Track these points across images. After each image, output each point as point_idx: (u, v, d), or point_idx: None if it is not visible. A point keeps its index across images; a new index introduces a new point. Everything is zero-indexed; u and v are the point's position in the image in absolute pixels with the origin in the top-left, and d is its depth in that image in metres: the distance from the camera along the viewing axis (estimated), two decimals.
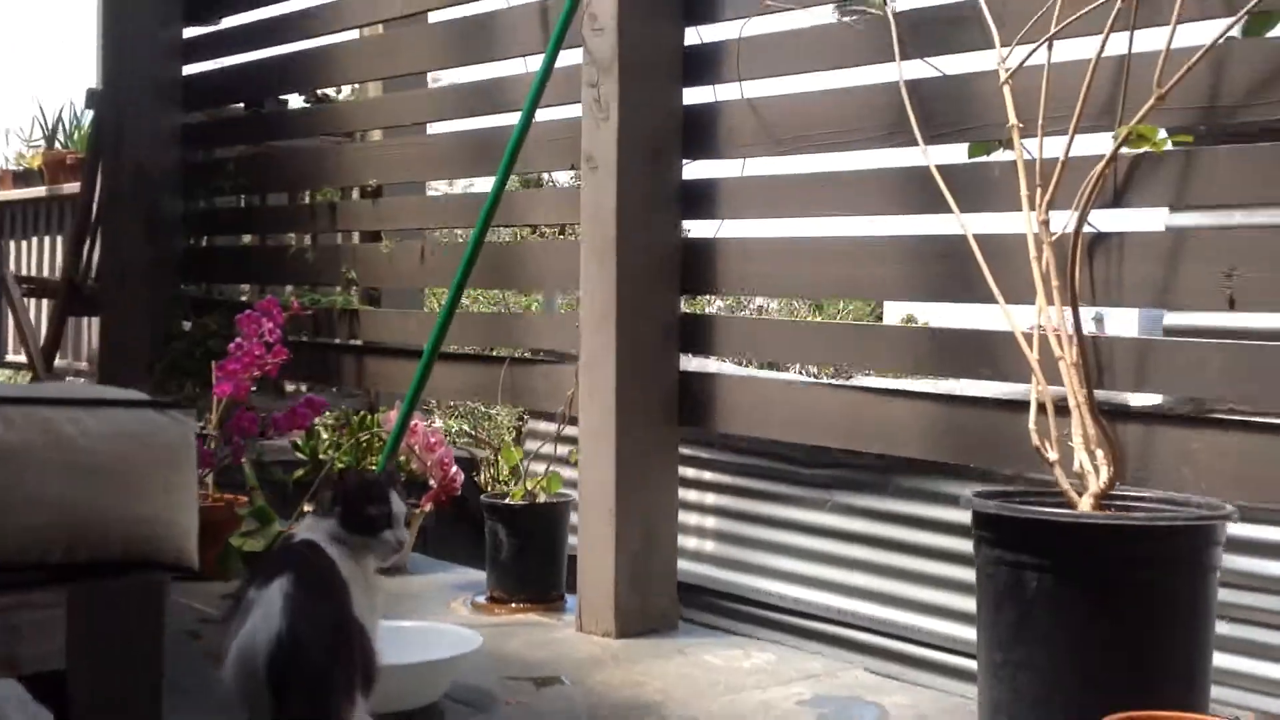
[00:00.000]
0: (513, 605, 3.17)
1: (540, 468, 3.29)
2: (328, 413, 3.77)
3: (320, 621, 1.82)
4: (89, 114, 5.54)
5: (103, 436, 1.30)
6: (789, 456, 4.67)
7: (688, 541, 4.75)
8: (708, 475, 4.96)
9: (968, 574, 2.18)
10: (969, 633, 2.41)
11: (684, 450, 4.11)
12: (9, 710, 1.61)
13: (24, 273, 6.75)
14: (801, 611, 4.25)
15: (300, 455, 3.62)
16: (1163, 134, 2.15)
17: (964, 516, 2.27)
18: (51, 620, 1.29)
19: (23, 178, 7.43)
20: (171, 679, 2.53)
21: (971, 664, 2.31)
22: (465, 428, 7.14)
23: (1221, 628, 3.45)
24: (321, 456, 3.55)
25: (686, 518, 4.75)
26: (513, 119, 3.08)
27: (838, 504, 4.58)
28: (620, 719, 2.35)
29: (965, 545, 2.28)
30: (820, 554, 4.60)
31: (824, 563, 4.60)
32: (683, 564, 3.28)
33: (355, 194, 4.16)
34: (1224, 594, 2.94)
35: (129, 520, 1.31)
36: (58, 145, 7.61)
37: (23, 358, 5.77)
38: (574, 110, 3.07)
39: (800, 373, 6.25)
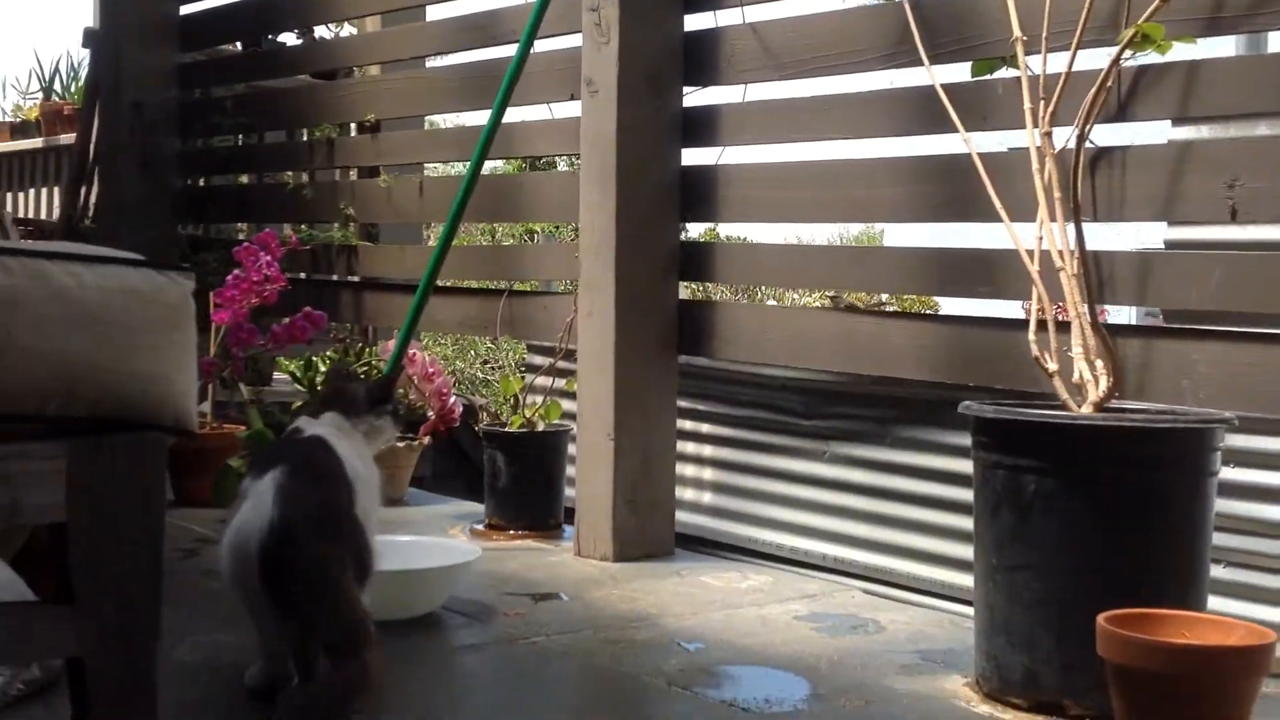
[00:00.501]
0: (511, 532, 3.17)
1: (540, 399, 3.29)
2: (327, 353, 3.76)
3: (312, 509, 1.82)
4: (86, 64, 5.52)
5: (101, 290, 1.30)
6: (787, 408, 4.68)
7: (685, 493, 4.75)
8: (705, 427, 4.96)
9: (966, 522, 2.18)
10: (966, 580, 2.41)
11: (682, 403, 4.12)
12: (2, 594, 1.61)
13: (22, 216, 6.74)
14: (799, 561, 4.26)
15: (299, 387, 3.62)
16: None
17: (964, 466, 2.26)
18: (52, 474, 1.29)
19: (20, 129, 7.41)
20: (169, 593, 2.55)
21: (967, 610, 2.31)
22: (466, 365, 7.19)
23: (1218, 571, 3.46)
24: (319, 388, 3.55)
25: (684, 469, 4.76)
26: (512, 50, 3.06)
27: (836, 454, 4.59)
28: (618, 629, 2.36)
29: (965, 494, 2.27)
30: (819, 504, 4.61)
31: (822, 513, 4.61)
32: (681, 515, 3.28)
33: (353, 130, 4.14)
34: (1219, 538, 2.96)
35: (127, 375, 1.31)
36: (54, 97, 7.59)
37: None
38: (574, 40, 3.06)
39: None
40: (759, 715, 1.92)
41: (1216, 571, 3.52)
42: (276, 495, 1.82)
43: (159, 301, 1.35)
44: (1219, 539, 3.35)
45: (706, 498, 4.95)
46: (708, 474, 4.95)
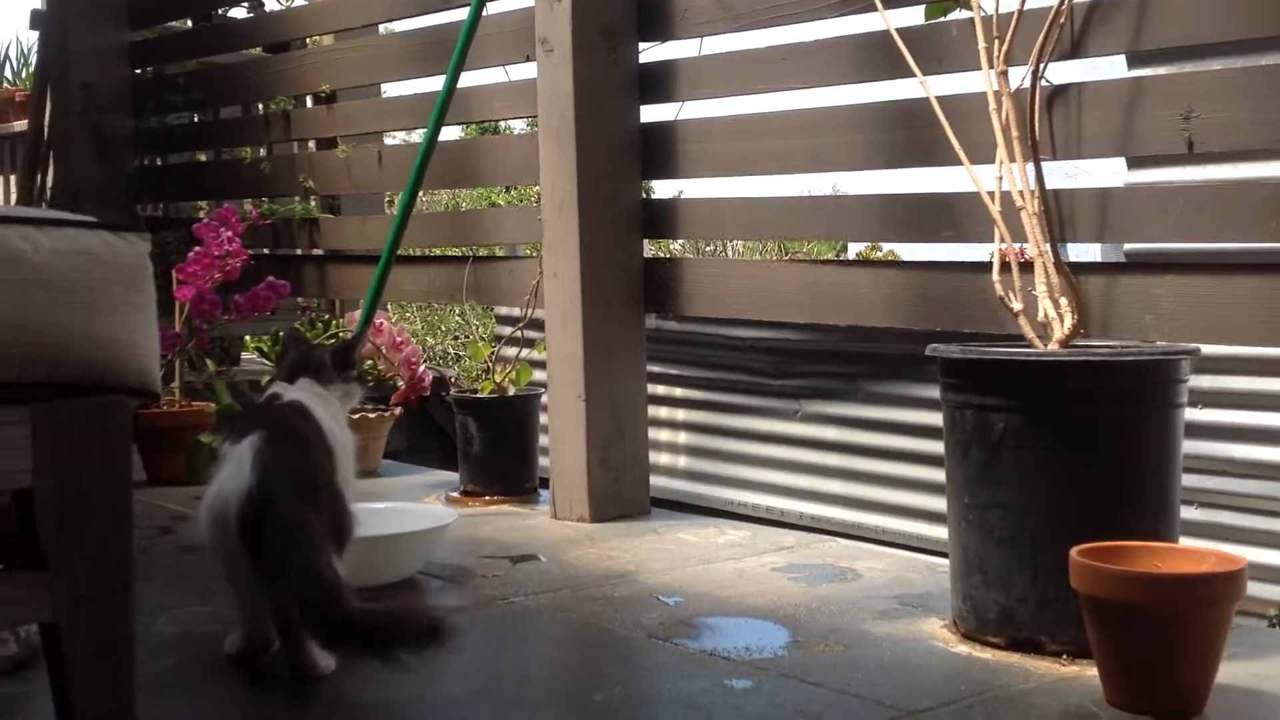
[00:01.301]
0: (486, 498, 3.17)
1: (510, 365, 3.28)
2: (292, 320, 3.74)
3: (289, 475, 1.81)
4: (36, 45, 5.45)
5: (57, 253, 1.28)
6: (757, 368, 4.69)
7: (660, 458, 4.77)
8: (678, 391, 4.97)
9: (939, 475, 2.19)
10: (940, 532, 2.42)
11: (654, 368, 4.12)
12: None
13: None
14: (773, 520, 4.28)
15: (266, 362, 3.60)
16: None
17: (935, 419, 2.26)
18: (16, 439, 1.27)
19: None
20: (146, 569, 2.54)
21: (942, 561, 2.32)
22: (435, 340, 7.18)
23: (1189, 513, 3.51)
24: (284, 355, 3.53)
25: (658, 434, 4.78)
26: (464, 14, 3.04)
27: (807, 413, 4.61)
28: (596, 586, 2.36)
29: (936, 446, 2.28)
30: (792, 463, 4.64)
31: (796, 471, 4.64)
32: (657, 480, 3.28)
33: (309, 101, 4.11)
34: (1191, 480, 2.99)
35: (87, 339, 1.30)
36: (5, 83, 7.48)
37: None
38: (527, 1, 3.04)
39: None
40: (739, 663, 1.93)
41: (1189, 513, 3.57)
42: (254, 460, 1.81)
43: (115, 264, 1.33)
44: (1190, 480, 3.39)
45: (682, 462, 4.97)
46: (682, 438, 4.98)
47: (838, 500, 4.50)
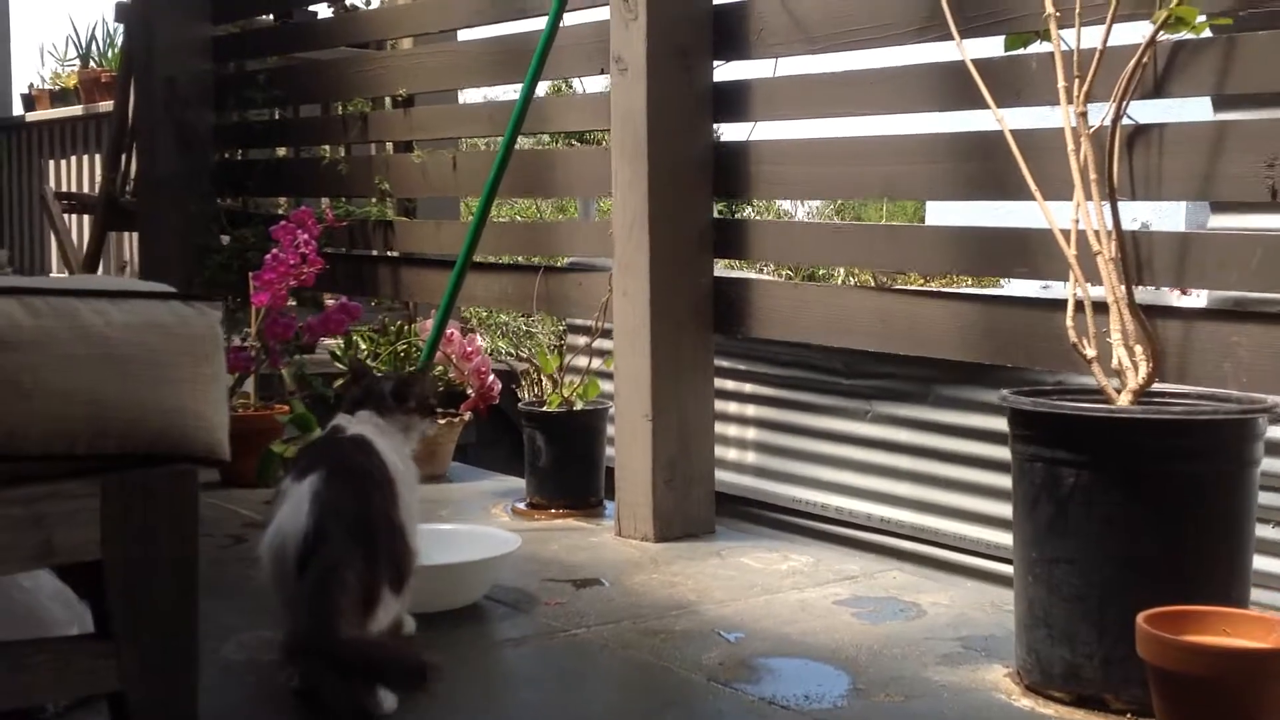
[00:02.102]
0: (552, 511, 3.19)
1: (578, 378, 3.29)
2: (366, 325, 3.78)
3: (346, 517, 1.84)
4: (121, 32, 5.53)
5: (128, 327, 1.30)
6: (829, 368, 4.66)
7: (728, 453, 4.76)
8: (748, 387, 4.96)
9: (1009, 481, 2.17)
10: (1009, 539, 2.40)
11: (724, 363, 4.11)
12: (50, 603, 1.64)
13: (63, 189, 6.79)
14: (841, 520, 4.26)
15: (339, 365, 3.64)
16: (1202, 18, 2.09)
17: (1005, 424, 2.25)
18: (85, 511, 1.30)
19: (59, 97, 7.45)
20: (214, 585, 2.57)
21: (1010, 569, 2.30)
22: (507, 346, 7.17)
23: (1265, 531, 3.44)
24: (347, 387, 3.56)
25: (727, 429, 4.77)
26: (542, 24, 3.04)
27: (878, 414, 4.57)
28: (657, 618, 2.36)
29: (1006, 453, 2.26)
30: (861, 463, 4.61)
31: (865, 472, 4.61)
32: (723, 475, 3.28)
33: (387, 104, 4.13)
34: (1267, 498, 2.93)
35: (156, 411, 1.32)
36: (92, 64, 7.62)
37: (65, 274, 5.81)
38: (603, 14, 3.04)
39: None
40: (798, 713, 1.93)
41: (1264, 531, 3.50)
42: (313, 502, 1.84)
43: (186, 335, 1.35)
44: (1267, 498, 3.33)
45: (750, 458, 4.96)
46: (750, 434, 4.96)
47: (907, 503, 4.47)
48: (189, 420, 1.35)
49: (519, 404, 3.31)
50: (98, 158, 6.58)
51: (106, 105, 6.10)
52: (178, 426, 1.34)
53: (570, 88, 6.51)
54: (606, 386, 3.24)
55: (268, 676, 2.06)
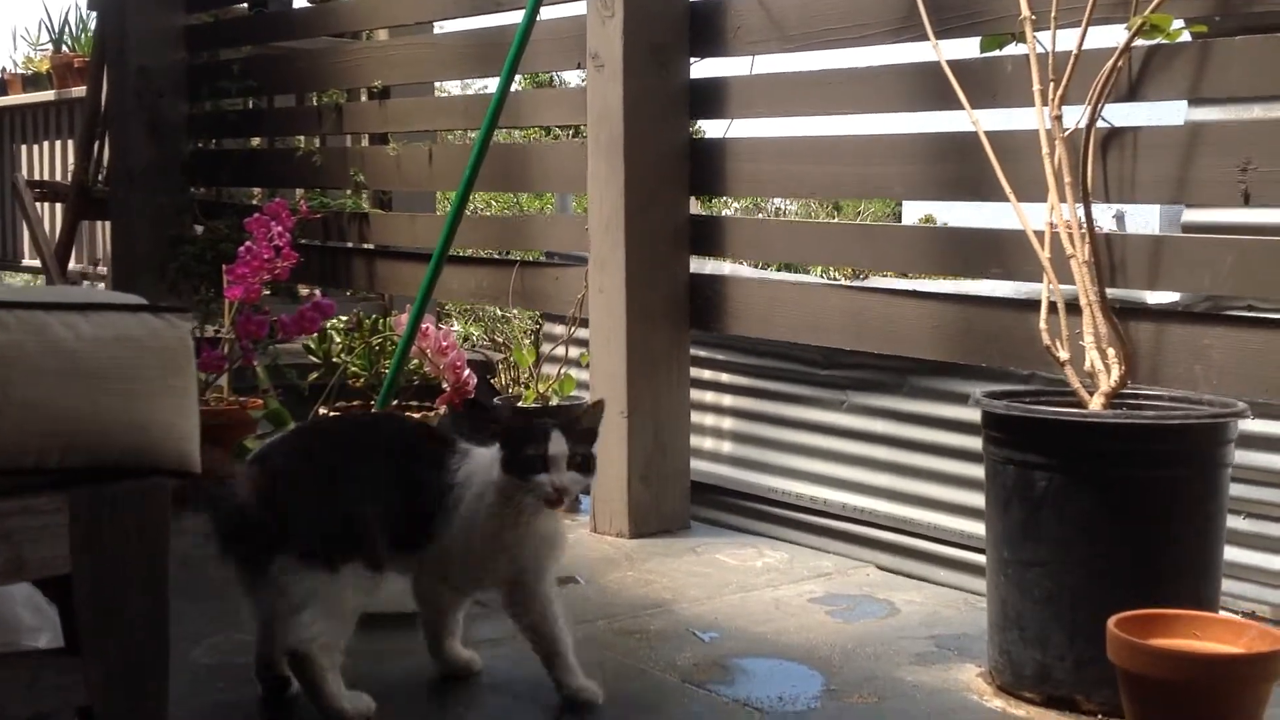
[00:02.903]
0: None
1: (555, 370, 3.29)
2: (340, 317, 3.77)
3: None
4: (94, 15, 5.48)
5: (97, 340, 1.29)
6: (805, 358, 4.66)
7: (704, 442, 4.76)
8: (724, 377, 4.95)
9: (982, 471, 2.17)
10: (983, 529, 2.40)
11: (700, 352, 4.11)
12: (21, 610, 1.63)
13: (35, 177, 6.73)
14: (817, 510, 4.27)
15: (314, 358, 3.62)
16: (1178, 24, 2.10)
17: (978, 415, 2.25)
18: (55, 526, 1.29)
19: (31, 82, 7.38)
20: (185, 586, 2.55)
21: (984, 559, 2.30)
22: (480, 332, 7.14)
23: (1236, 522, 3.46)
24: (334, 360, 3.56)
25: (703, 418, 4.77)
26: (518, 17, 3.03)
27: (854, 404, 4.58)
28: (632, 617, 2.37)
29: (980, 443, 2.27)
30: (836, 453, 4.61)
31: (840, 462, 4.61)
32: (699, 464, 3.27)
33: (363, 95, 4.11)
34: (1239, 489, 2.95)
35: (126, 425, 1.31)
36: (65, 48, 7.54)
37: (37, 263, 5.76)
38: (580, 8, 3.02)
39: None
40: (772, 715, 1.93)
41: (1236, 522, 3.52)
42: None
43: (156, 348, 1.34)
44: (1239, 490, 3.35)
45: (725, 447, 4.96)
46: (726, 423, 4.96)
47: (882, 493, 4.48)
48: (159, 433, 1.34)
49: (495, 399, 3.30)
50: (70, 143, 6.52)
51: (80, 90, 6.04)
52: (148, 439, 1.34)
53: (552, 83, 6.48)
54: (583, 377, 3.23)
55: (239, 682, 2.05)
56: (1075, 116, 2.23)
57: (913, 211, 9.35)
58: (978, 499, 3.52)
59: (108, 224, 5.53)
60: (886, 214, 9.80)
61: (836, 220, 8.19)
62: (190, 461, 1.39)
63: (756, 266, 3.85)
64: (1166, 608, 1.84)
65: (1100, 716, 1.92)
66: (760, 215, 8.37)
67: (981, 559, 2.33)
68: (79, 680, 1.30)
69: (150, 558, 1.34)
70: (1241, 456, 2.17)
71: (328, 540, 1.81)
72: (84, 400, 1.29)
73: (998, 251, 2.43)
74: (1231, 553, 2.43)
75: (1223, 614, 1.93)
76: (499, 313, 7.15)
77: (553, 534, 1.96)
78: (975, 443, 3.49)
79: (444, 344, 3.37)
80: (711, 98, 2.94)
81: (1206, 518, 1.97)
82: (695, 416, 3.07)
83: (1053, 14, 2.24)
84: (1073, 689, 1.95)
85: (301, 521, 1.80)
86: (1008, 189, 2.28)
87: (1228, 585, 2.53)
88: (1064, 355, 2.16)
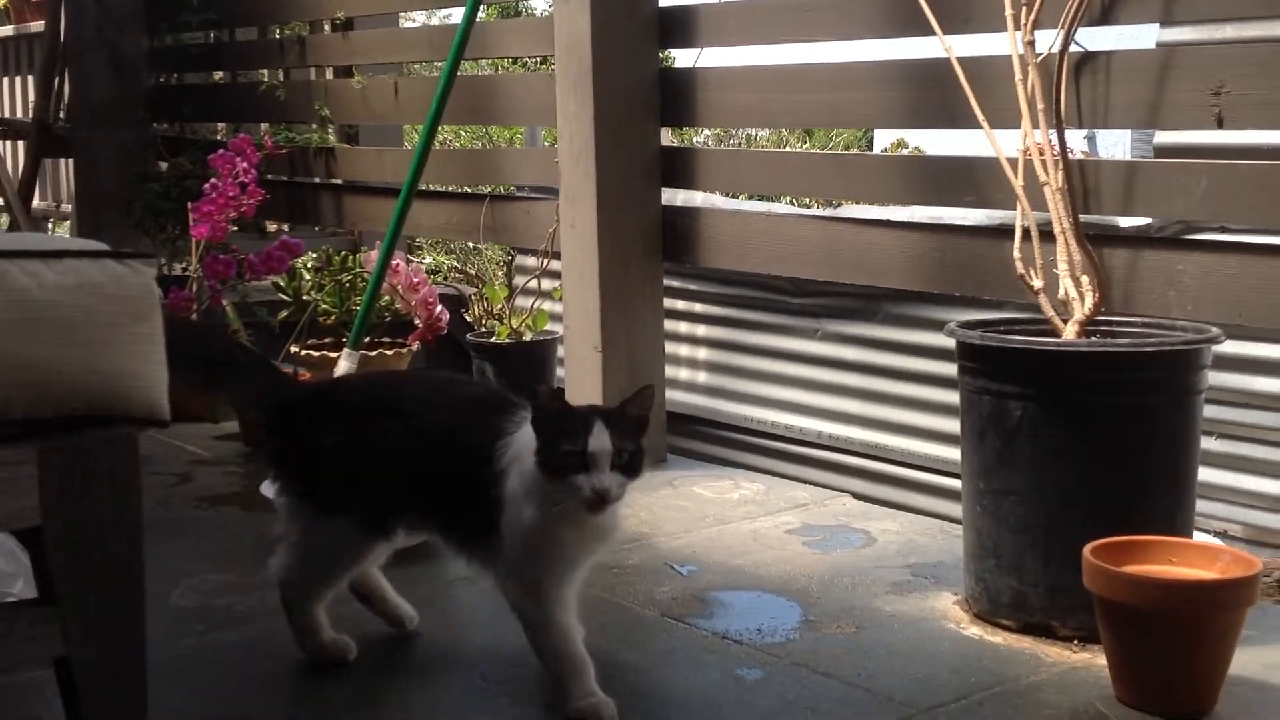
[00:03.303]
0: None
1: (529, 304, 3.27)
2: (310, 254, 3.72)
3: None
4: None
5: (61, 288, 1.27)
6: (778, 286, 4.66)
7: (679, 372, 4.77)
8: (698, 307, 4.94)
9: (956, 397, 2.17)
10: (957, 454, 2.41)
11: (673, 282, 4.09)
12: None
13: None
14: (792, 438, 4.28)
15: (284, 296, 3.59)
16: None
17: (952, 341, 2.25)
18: (24, 478, 1.28)
19: None
20: (162, 526, 2.55)
21: (959, 484, 2.31)
22: (454, 263, 7.09)
23: (1208, 443, 3.49)
24: (305, 297, 3.52)
25: (677, 349, 4.77)
26: None
27: (827, 332, 4.58)
28: (611, 551, 2.34)
29: (954, 369, 2.27)
30: (811, 381, 4.62)
31: (815, 390, 4.62)
32: (675, 394, 3.27)
33: (326, 27, 4.04)
34: (1211, 410, 2.97)
35: (93, 374, 1.29)
36: None
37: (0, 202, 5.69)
38: None
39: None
40: (751, 648, 1.94)
41: (1208, 443, 3.55)
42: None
43: (121, 295, 1.32)
44: (1211, 411, 3.37)
45: (700, 377, 4.96)
46: (700, 353, 4.96)
47: (857, 420, 4.50)
48: (127, 381, 1.33)
49: (468, 335, 3.28)
50: (30, 80, 6.41)
51: (38, 25, 5.93)
52: (116, 388, 1.32)
53: (519, 13, 6.40)
54: (556, 309, 3.21)
55: (218, 624, 2.05)
56: (1048, 41, 2.21)
57: (884, 139, 9.31)
58: (952, 424, 3.53)
59: (70, 161, 5.46)
60: (856, 141, 9.75)
61: (808, 149, 8.12)
62: (159, 409, 1.37)
63: (729, 197, 3.83)
64: (1141, 534, 1.85)
65: (1076, 642, 1.94)
66: (733, 143, 8.33)
67: (957, 484, 2.35)
68: (55, 631, 1.29)
69: (122, 507, 1.33)
70: (1213, 378, 2.17)
71: (327, 490, 1.81)
72: (49, 350, 1.27)
73: (971, 179, 2.41)
74: (1204, 473, 2.45)
75: (1197, 537, 1.95)
76: (470, 245, 7.09)
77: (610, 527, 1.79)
78: (949, 368, 3.51)
79: (415, 280, 3.34)
80: (681, 26, 2.90)
81: (1180, 444, 1.98)
82: (669, 347, 3.05)
83: None
84: (1048, 616, 1.97)
85: (303, 465, 1.84)
86: (980, 116, 2.26)
87: (1200, 505, 2.56)
88: (1038, 284, 2.16)
